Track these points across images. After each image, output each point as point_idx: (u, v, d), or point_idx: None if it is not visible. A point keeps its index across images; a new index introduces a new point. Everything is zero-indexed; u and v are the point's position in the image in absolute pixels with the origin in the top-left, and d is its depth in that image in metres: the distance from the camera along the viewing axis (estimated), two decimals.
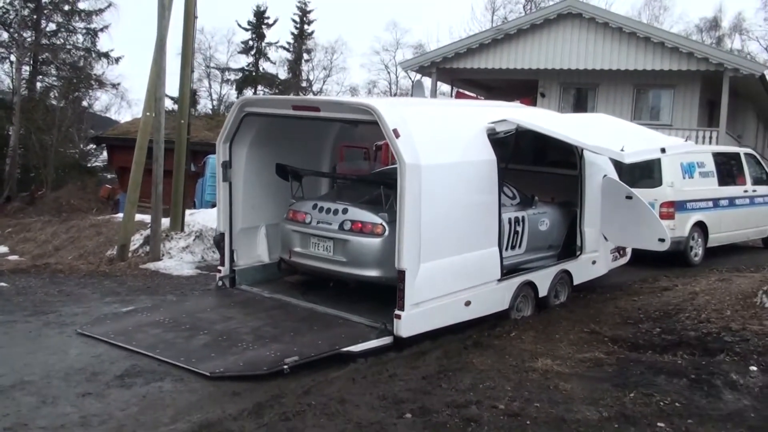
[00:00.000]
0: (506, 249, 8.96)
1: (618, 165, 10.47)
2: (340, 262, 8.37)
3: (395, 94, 50.48)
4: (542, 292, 9.33)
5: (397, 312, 7.41)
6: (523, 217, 9.34)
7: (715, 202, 13.87)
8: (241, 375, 6.53)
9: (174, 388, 6.20)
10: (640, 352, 7.60)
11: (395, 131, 7.28)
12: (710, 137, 20.61)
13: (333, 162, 10.48)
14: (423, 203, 7.41)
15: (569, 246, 10.09)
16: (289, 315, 8.16)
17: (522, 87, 24.22)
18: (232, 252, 9.14)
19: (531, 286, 9.16)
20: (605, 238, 10.37)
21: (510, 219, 9.12)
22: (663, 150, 8.94)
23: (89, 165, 40.01)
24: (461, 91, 25.55)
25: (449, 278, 7.88)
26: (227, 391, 6.18)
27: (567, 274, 9.82)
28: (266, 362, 6.74)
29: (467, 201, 8.14)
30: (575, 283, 10.00)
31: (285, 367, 6.65)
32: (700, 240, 13.58)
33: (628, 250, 11.23)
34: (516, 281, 8.88)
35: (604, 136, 8.87)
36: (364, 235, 8.21)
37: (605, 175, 10.11)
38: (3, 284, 10.56)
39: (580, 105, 23.37)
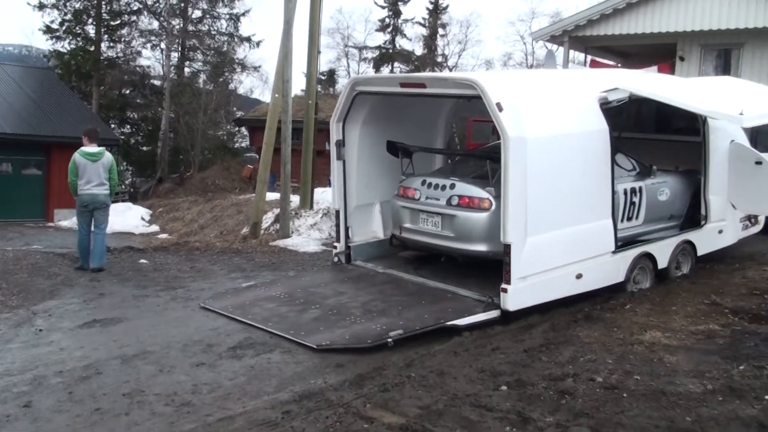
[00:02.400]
0: (622, 221, 8.78)
1: (754, 131, 9.97)
2: (448, 237, 8.45)
3: (531, 66, 49.42)
4: (662, 263, 9.06)
5: (503, 286, 7.43)
6: (640, 188, 9.09)
7: None
8: (346, 347, 6.77)
9: (281, 359, 6.52)
10: (761, 323, 7.29)
11: (498, 105, 7.25)
12: None
13: (447, 137, 10.53)
14: (529, 177, 7.37)
15: (694, 215, 9.72)
16: (399, 290, 8.33)
17: (660, 52, 23.14)
18: (347, 229, 9.41)
19: (649, 257, 8.92)
20: (733, 206, 9.90)
21: (626, 190, 8.90)
22: None
23: (234, 146, 41.83)
24: (596, 59, 24.73)
25: (558, 251, 7.79)
26: (331, 363, 6.43)
27: (690, 244, 9.48)
28: (372, 335, 6.96)
29: (577, 173, 7.99)
30: (699, 253, 9.64)
31: (389, 340, 6.84)
32: None
33: (761, 219, 10.68)
34: (632, 253, 8.67)
35: (724, 100, 8.46)
36: (471, 210, 8.25)
37: (732, 141, 9.63)
38: (143, 261, 11.33)
39: (723, 68, 22.09)
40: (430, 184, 8.75)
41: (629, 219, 9.00)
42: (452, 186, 8.51)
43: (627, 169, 9.14)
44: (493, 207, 8.04)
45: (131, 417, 5.23)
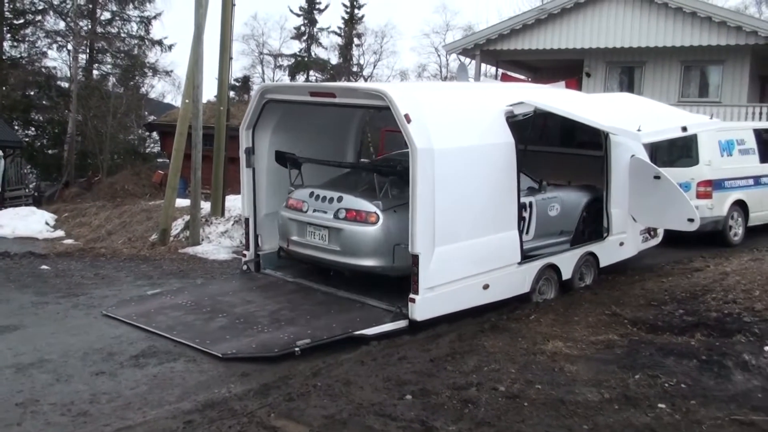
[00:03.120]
0: None
1: (654, 146, 10.32)
2: (334, 251, 8.32)
3: (445, 78, 50.10)
4: (566, 274, 9.30)
5: (411, 296, 7.49)
6: (530, 203, 9.14)
7: (757, 180, 13.49)
8: (253, 356, 6.72)
9: (185, 368, 6.43)
10: (658, 333, 7.56)
11: (407, 116, 7.33)
12: (761, 113, 20.03)
13: (358, 147, 10.57)
14: (436, 188, 7.47)
15: (596, 228, 9.99)
16: (308, 299, 8.33)
17: (568, 67, 23.84)
18: (257, 237, 9.34)
19: (554, 268, 9.13)
20: (634, 219, 10.25)
21: None
22: (684, 128, 8.82)
23: (145, 151, 40.94)
24: (507, 73, 25.28)
25: (466, 262, 7.91)
26: (237, 372, 6.38)
27: (593, 256, 9.76)
28: (279, 344, 6.92)
29: (484, 184, 8.14)
30: (602, 265, 9.93)
31: (296, 349, 6.83)
32: (740, 219, 13.25)
33: (660, 231, 11.07)
34: (537, 264, 8.87)
35: (623, 116, 8.76)
36: (358, 224, 8.14)
37: (633, 156, 9.98)
38: (45, 267, 11.00)
39: (627, 85, 22.93)
40: (317, 197, 8.62)
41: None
42: (339, 199, 8.40)
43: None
44: (381, 221, 8.02)
45: (23, 427, 5.09)
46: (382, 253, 7.88)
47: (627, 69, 23.20)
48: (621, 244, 10.20)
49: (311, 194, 8.71)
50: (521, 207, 8.76)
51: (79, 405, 5.49)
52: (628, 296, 9.13)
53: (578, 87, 21.35)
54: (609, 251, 10.01)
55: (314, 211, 8.56)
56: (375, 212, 8.04)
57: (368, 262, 8.11)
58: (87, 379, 6.07)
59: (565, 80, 20.43)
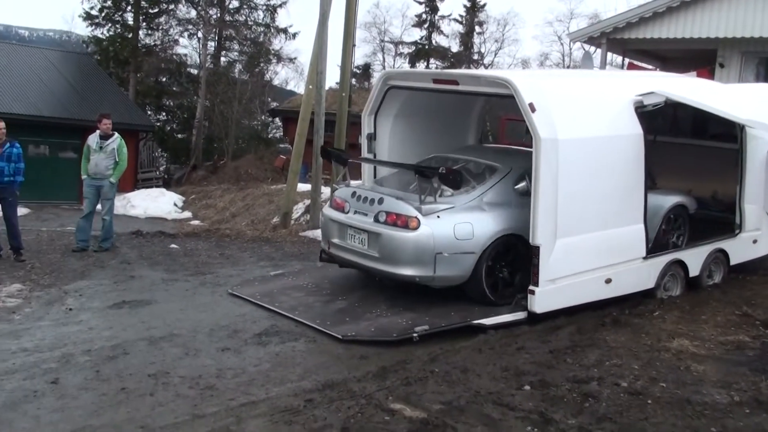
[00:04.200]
0: None
1: None
2: (373, 258, 7.69)
3: (567, 67, 49.02)
4: (693, 271, 8.95)
5: (531, 287, 7.40)
6: None
7: None
8: (372, 340, 6.80)
9: (306, 348, 6.57)
10: None
11: (531, 105, 7.20)
12: None
13: (479, 135, 10.49)
14: (560, 178, 7.32)
15: (679, 237, 9.25)
16: (426, 286, 8.32)
17: (699, 57, 22.84)
18: None
19: (681, 264, 8.81)
20: None
21: None
22: None
23: (268, 136, 42.07)
24: (633, 62, 24.49)
25: (588, 255, 7.73)
26: (356, 354, 6.47)
27: (723, 253, 9.34)
28: (397, 329, 6.98)
29: (610, 176, 7.91)
30: (732, 263, 9.49)
31: (414, 335, 6.85)
32: None
33: None
34: (663, 259, 8.57)
35: (762, 108, 8.34)
36: (398, 229, 7.49)
37: None
38: (174, 246, 11.47)
39: (763, 76, 21.77)
40: (359, 197, 8.06)
41: None
42: (380, 200, 7.79)
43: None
44: (421, 227, 7.37)
45: (156, 398, 5.31)
46: (422, 262, 7.33)
47: (765, 60, 22.03)
48: (754, 241, 9.73)
49: (353, 194, 8.18)
50: None
51: (207, 379, 5.70)
52: (761, 297, 8.72)
53: (710, 77, 20.39)
54: (741, 249, 9.56)
55: (355, 212, 8.01)
56: (416, 217, 7.41)
57: (407, 271, 7.46)
58: (213, 355, 6.29)
59: (696, 71, 19.62)
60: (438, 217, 7.45)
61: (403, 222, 7.45)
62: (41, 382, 5.51)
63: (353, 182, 8.75)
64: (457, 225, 7.44)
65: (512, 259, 7.80)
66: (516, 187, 8.02)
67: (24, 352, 6.19)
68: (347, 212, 8.08)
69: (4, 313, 7.46)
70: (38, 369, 5.77)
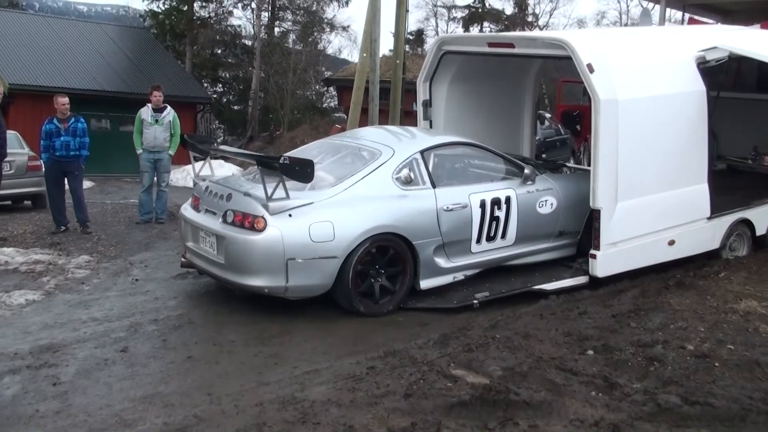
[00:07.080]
0: (479, 241, 7.25)
1: None
2: (219, 265, 6.56)
3: (625, 25, 47.85)
4: (760, 230, 8.76)
5: (592, 252, 7.32)
6: (508, 197, 7.36)
7: None
8: (432, 308, 6.81)
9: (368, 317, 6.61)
10: None
11: (589, 66, 7.06)
12: None
13: (536, 98, 10.34)
14: (620, 140, 7.19)
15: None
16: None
17: (764, 9, 22.03)
18: None
19: (747, 224, 8.64)
20: None
21: (484, 201, 7.20)
22: None
23: (323, 106, 42.18)
24: (694, 17, 23.75)
25: (651, 217, 7.61)
26: (417, 322, 6.49)
27: None
28: (457, 297, 6.97)
29: (672, 136, 7.75)
30: None
31: (475, 302, 6.85)
32: None
33: None
34: (729, 219, 8.40)
35: None
36: (244, 231, 6.33)
37: None
38: None
39: None
40: (211, 193, 6.94)
41: (491, 239, 7.36)
42: (228, 197, 6.65)
43: (499, 172, 7.69)
44: (268, 228, 6.19)
45: (221, 366, 5.41)
46: (271, 270, 6.20)
47: None
48: None
49: (206, 189, 7.06)
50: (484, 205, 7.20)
51: (270, 347, 5.78)
52: None
53: None
54: None
55: (206, 211, 6.92)
56: (262, 216, 6.24)
57: (254, 282, 6.30)
58: (276, 323, 6.36)
59: (761, 23, 18.95)
60: (290, 216, 6.25)
61: (249, 222, 6.29)
62: (111, 350, 5.66)
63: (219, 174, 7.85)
64: (313, 225, 6.26)
65: (390, 262, 6.70)
66: (396, 176, 6.85)
67: (94, 321, 6.37)
68: (200, 211, 7.03)
69: (73, 283, 7.68)
70: (108, 338, 5.93)
